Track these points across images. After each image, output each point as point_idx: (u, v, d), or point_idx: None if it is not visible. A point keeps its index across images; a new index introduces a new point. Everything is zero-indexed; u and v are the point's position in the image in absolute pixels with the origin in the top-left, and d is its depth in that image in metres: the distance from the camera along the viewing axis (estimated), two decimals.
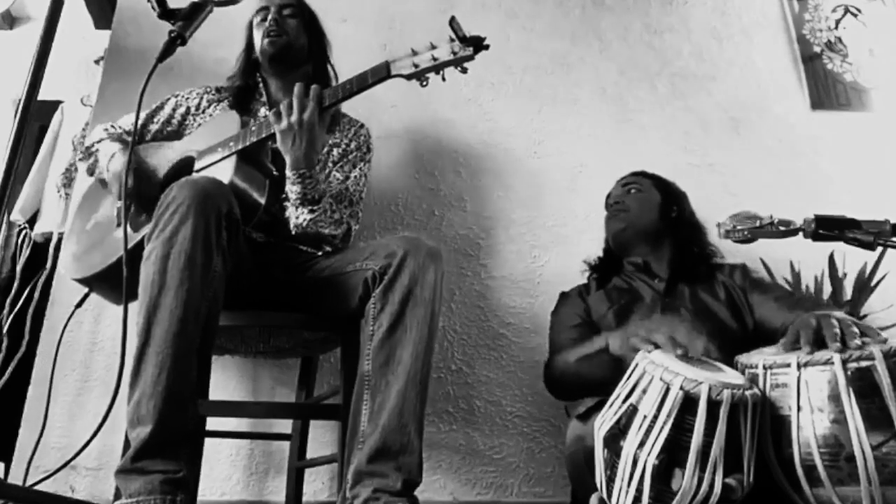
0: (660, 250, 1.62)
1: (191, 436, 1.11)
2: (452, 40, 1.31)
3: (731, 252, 1.58)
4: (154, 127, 1.64)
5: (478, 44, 1.30)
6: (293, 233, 1.45)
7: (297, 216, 1.42)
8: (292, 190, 1.41)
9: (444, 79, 1.35)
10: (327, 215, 1.43)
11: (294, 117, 1.36)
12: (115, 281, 1.26)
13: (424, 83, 1.35)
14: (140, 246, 1.20)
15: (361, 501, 1.08)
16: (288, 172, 1.40)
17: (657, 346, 1.08)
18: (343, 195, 1.56)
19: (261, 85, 1.69)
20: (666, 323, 1.29)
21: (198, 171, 1.45)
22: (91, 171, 1.61)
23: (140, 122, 1.61)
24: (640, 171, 1.74)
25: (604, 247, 1.73)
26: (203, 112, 1.65)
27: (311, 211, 1.41)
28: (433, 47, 1.33)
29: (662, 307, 1.49)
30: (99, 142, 1.60)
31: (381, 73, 1.36)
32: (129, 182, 1.39)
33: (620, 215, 1.64)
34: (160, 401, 1.04)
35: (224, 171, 1.37)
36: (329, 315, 1.38)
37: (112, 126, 1.64)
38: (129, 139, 1.58)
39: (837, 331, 0.97)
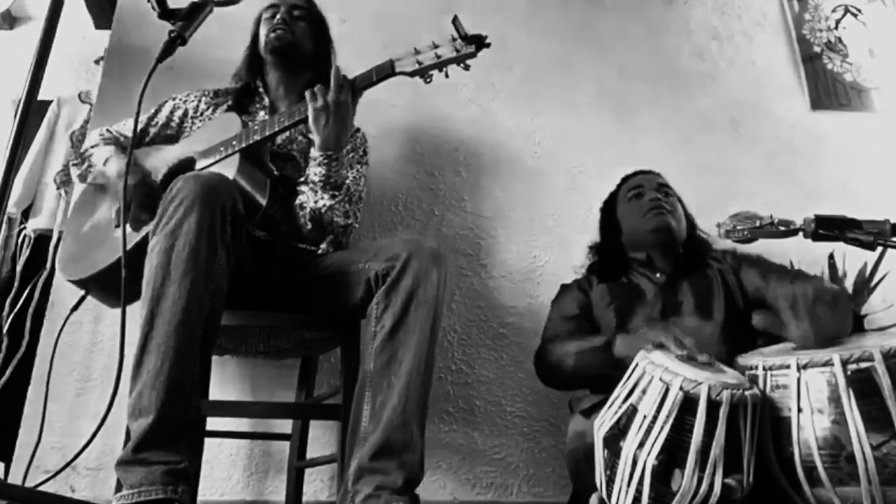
0: (670, 253, 1.59)
1: (192, 427, 1.10)
2: (454, 39, 1.34)
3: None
4: (153, 130, 1.64)
5: (479, 42, 1.33)
6: (307, 217, 1.44)
7: (315, 200, 1.42)
8: (316, 172, 1.41)
9: (447, 76, 1.38)
10: (343, 204, 1.44)
11: (331, 96, 1.38)
12: (113, 281, 1.25)
13: (428, 80, 1.38)
14: (139, 247, 1.19)
15: (363, 498, 1.08)
16: (315, 153, 1.41)
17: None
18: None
19: (261, 88, 1.69)
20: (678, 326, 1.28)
21: (199, 170, 1.45)
22: (83, 178, 1.60)
23: (140, 125, 1.61)
24: (650, 171, 1.70)
25: (607, 238, 1.67)
26: (201, 115, 1.64)
27: (333, 196, 1.42)
28: (436, 46, 1.36)
29: (664, 304, 1.50)
30: (93, 147, 1.59)
31: (386, 71, 1.39)
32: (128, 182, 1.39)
33: (665, 215, 1.57)
34: (163, 392, 1.04)
35: (226, 171, 1.37)
36: (329, 312, 1.38)
37: (108, 130, 1.64)
38: (126, 143, 1.58)
39: None
